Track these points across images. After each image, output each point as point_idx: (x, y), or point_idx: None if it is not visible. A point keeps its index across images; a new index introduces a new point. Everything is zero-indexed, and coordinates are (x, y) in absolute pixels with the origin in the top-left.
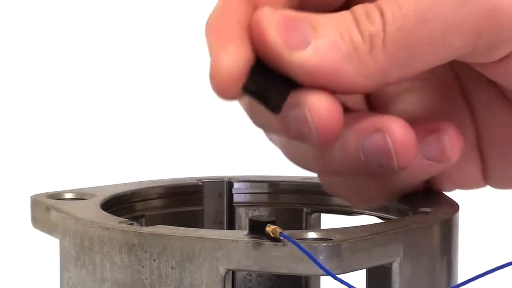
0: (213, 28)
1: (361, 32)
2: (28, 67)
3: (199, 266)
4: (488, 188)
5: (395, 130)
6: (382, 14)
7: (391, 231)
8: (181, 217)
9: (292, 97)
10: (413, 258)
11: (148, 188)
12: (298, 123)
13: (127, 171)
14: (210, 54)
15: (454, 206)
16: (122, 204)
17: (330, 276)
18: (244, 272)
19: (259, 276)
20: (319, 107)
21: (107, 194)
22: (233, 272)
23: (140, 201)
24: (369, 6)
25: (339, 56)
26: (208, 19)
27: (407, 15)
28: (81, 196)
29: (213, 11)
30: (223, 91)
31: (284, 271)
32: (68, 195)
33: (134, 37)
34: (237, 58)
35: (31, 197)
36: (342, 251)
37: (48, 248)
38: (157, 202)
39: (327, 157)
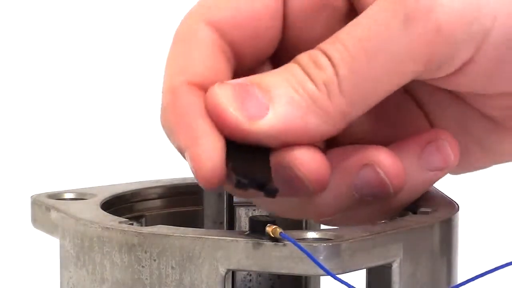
0: (175, 125)
1: (314, 82)
2: (28, 67)
3: (199, 266)
4: (488, 188)
5: (383, 160)
6: (330, 59)
7: (391, 231)
8: (181, 217)
9: (275, 160)
10: (413, 258)
11: (148, 188)
12: (291, 182)
13: (127, 171)
14: (181, 152)
15: (454, 206)
16: (122, 204)
17: (330, 276)
18: (244, 272)
19: (259, 276)
20: (307, 162)
21: (107, 194)
22: (233, 272)
23: (140, 201)
24: (313, 53)
25: (300, 112)
26: (163, 116)
27: (355, 54)
28: (81, 196)
29: (164, 108)
30: (211, 184)
31: (284, 271)
32: (68, 195)
33: (135, 37)
34: (214, 150)
35: (31, 197)
36: (342, 251)
37: (48, 248)
38: (157, 202)
39: (317, 202)
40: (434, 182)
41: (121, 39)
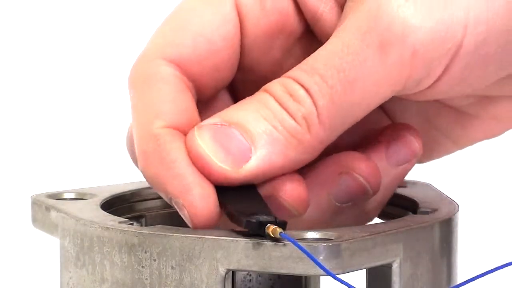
0: (163, 175)
1: (293, 116)
2: (28, 67)
3: (199, 266)
4: (488, 188)
5: (359, 165)
6: (307, 91)
7: (391, 231)
8: (181, 217)
9: (261, 193)
10: (413, 258)
11: (148, 188)
12: (276, 209)
13: (127, 171)
14: (169, 198)
15: (454, 206)
16: (122, 204)
17: (330, 276)
18: (244, 272)
19: (259, 276)
20: (289, 192)
21: (107, 194)
22: (233, 272)
23: (140, 201)
24: (287, 83)
25: (280, 149)
26: (147, 164)
27: (334, 85)
28: (81, 196)
29: (146, 156)
30: (206, 227)
31: (284, 271)
32: (68, 195)
33: (135, 37)
34: (208, 197)
35: (31, 197)
36: (342, 251)
37: (48, 248)
38: (157, 202)
39: (301, 219)
40: (405, 175)
41: (122, 39)
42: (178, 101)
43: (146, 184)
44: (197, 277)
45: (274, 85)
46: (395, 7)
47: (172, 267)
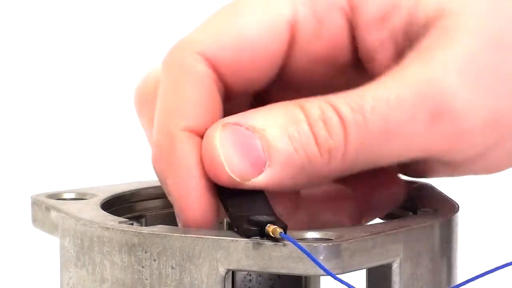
0: (168, 175)
1: (319, 145)
2: (28, 67)
3: (199, 266)
4: (488, 188)
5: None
6: (343, 125)
7: (391, 231)
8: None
9: None
10: (413, 258)
11: (148, 188)
12: None
13: (127, 171)
14: (168, 195)
15: (454, 206)
16: (122, 204)
17: (330, 276)
18: (244, 272)
19: (259, 276)
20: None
21: (107, 194)
22: (233, 272)
23: (140, 201)
24: (327, 110)
25: (293, 173)
26: (157, 160)
27: (373, 130)
28: (81, 196)
29: (158, 152)
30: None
31: (284, 271)
32: (68, 195)
33: (135, 37)
34: (203, 208)
35: (31, 197)
36: (342, 251)
37: (48, 248)
38: (157, 202)
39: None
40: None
41: (121, 39)
42: (207, 104)
43: (146, 184)
44: (197, 277)
45: (312, 106)
46: (459, 83)
47: (172, 267)
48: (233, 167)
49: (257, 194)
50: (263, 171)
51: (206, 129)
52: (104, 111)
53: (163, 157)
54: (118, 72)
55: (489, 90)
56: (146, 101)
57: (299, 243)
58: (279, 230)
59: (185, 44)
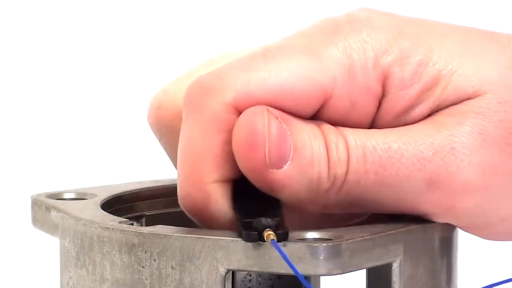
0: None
1: (329, 168)
2: (28, 67)
3: (199, 266)
4: None
5: None
6: (348, 157)
7: (391, 231)
8: (181, 217)
9: None
10: (413, 258)
11: (148, 188)
12: None
13: (127, 171)
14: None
15: None
16: (122, 204)
17: (299, 278)
18: (244, 272)
19: (259, 276)
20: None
21: (107, 194)
22: (233, 272)
23: (140, 201)
24: (339, 138)
25: (303, 183)
26: (190, 207)
27: (368, 172)
28: (81, 196)
29: (194, 203)
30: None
31: (284, 271)
32: (68, 195)
33: (134, 37)
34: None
35: (31, 197)
36: (342, 251)
37: (48, 248)
38: (157, 202)
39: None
40: None
41: (121, 39)
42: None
43: (146, 184)
44: (197, 277)
45: (329, 130)
46: (464, 163)
47: (172, 267)
48: (270, 151)
49: (274, 203)
50: (282, 167)
51: (233, 180)
52: (104, 111)
53: (197, 208)
54: (118, 72)
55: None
56: (163, 127)
57: (298, 243)
58: (272, 237)
59: (216, 91)
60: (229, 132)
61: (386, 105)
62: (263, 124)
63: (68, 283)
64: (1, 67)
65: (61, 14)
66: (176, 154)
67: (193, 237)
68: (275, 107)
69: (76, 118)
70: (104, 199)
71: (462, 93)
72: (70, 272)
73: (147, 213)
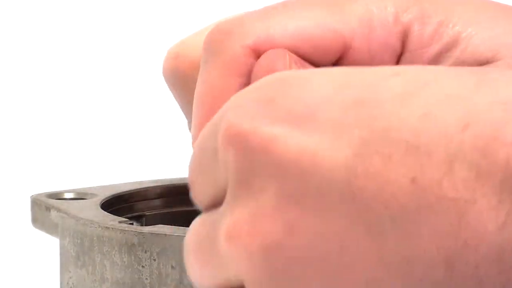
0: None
1: None
2: (28, 67)
3: None
4: None
5: None
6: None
7: None
8: (181, 217)
9: None
10: None
11: (148, 188)
12: None
13: (127, 171)
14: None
15: None
16: (122, 204)
17: None
18: None
19: None
20: None
21: (107, 194)
22: None
23: (140, 201)
24: None
25: None
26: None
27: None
28: (81, 196)
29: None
30: None
31: None
32: (68, 195)
33: (134, 37)
34: None
35: (31, 197)
36: None
37: (48, 248)
38: (157, 202)
39: None
40: None
41: (121, 39)
42: None
43: (146, 184)
44: None
45: None
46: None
47: (172, 267)
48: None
49: None
50: None
51: None
52: (104, 111)
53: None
54: (118, 72)
55: None
56: (178, 77)
57: None
58: None
59: (236, 35)
60: (248, 77)
61: (404, 63)
62: (285, 66)
63: (68, 283)
64: (1, 67)
65: (60, 14)
66: (190, 105)
67: None
68: (294, 53)
69: (76, 118)
70: (104, 199)
71: (480, 57)
72: (70, 272)
73: (147, 213)
